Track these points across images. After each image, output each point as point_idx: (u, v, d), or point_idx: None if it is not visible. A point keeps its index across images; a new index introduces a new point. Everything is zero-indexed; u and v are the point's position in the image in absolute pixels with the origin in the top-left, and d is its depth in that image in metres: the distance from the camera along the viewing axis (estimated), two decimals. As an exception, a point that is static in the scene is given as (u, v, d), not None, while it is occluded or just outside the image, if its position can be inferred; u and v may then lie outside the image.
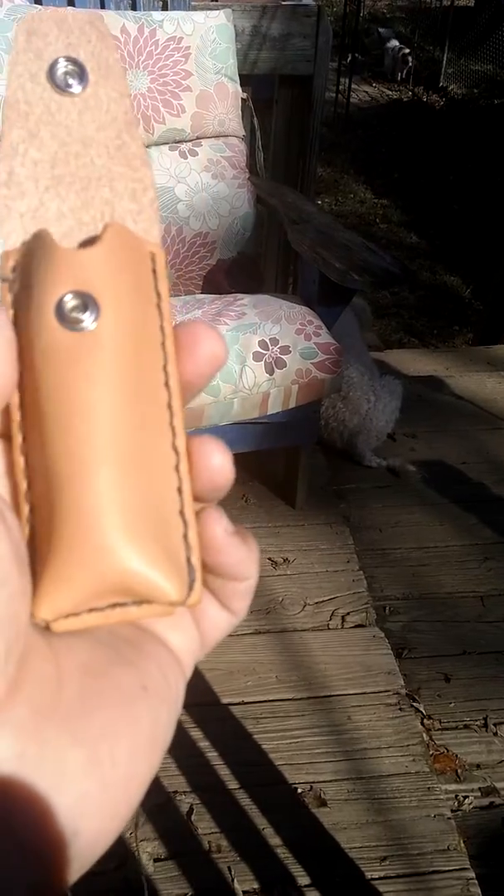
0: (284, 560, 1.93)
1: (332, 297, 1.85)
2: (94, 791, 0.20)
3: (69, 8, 0.25)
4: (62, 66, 0.24)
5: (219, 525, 0.24)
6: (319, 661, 1.66)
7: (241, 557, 0.24)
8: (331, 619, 1.77)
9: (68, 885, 0.20)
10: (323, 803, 1.40)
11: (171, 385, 0.24)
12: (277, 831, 1.35)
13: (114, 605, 0.22)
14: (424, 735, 1.55)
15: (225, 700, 1.56)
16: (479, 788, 1.48)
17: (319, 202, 5.14)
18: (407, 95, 8.11)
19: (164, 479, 0.23)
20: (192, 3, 2.07)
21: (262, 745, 1.49)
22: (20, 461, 0.22)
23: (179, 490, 0.23)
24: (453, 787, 1.48)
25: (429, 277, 4.41)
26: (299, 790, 1.42)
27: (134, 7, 2.02)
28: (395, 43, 8.33)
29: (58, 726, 0.20)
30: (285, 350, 1.71)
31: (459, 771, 1.51)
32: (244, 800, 1.39)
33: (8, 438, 0.23)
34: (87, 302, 0.22)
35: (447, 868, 1.31)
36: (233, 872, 1.29)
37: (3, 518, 0.21)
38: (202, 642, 0.26)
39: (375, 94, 8.23)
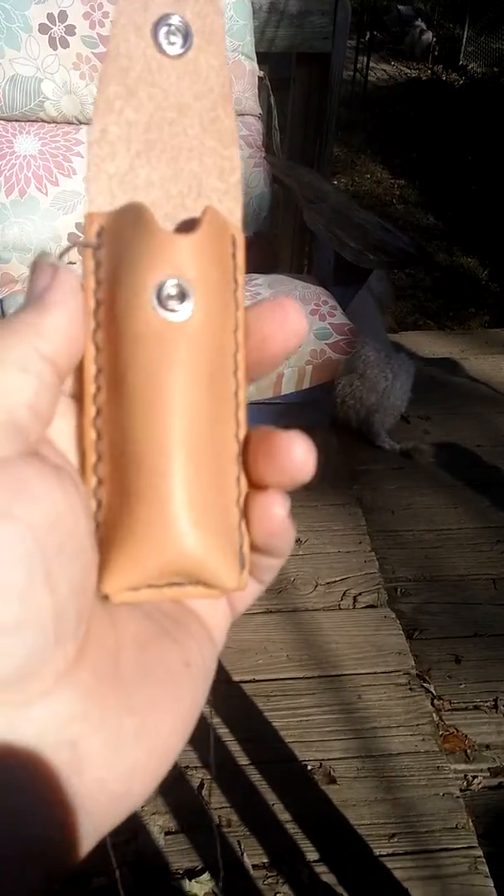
0: (297, 540, 1.93)
1: (348, 277, 1.84)
2: (142, 758, 0.21)
3: None
4: (167, 24, 0.23)
5: (281, 508, 0.24)
6: (330, 641, 1.67)
7: (290, 538, 0.25)
8: (342, 600, 1.78)
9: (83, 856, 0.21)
10: (332, 780, 1.41)
11: (238, 375, 0.24)
12: (287, 807, 1.37)
13: (171, 584, 0.23)
14: (434, 715, 1.56)
15: (237, 678, 1.57)
16: (489, 769, 1.49)
17: (336, 182, 5.11)
18: (426, 74, 8.01)
19: (228, 468, 0.24)
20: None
21: (273, 722, 1.50)
22: (91, 434, 0.23)
23: (238, 479, 0.24)
24: (462, 766, 1.49)
25: (445, 259, 4.38)
26: (309, 767, 1.43)
27: (151, -17, 2.00)
28: (420, 24, 8.21)
29: (116, 693, 0.21)
30: (300, 331, 1.71)
31: (469, 751, 1.52)
32: (254, 775, 1.41)
33: (77, 400, 0.23)
34: (184, 291, 0.22)
35: (455, 846, 1.33)
36: (242, 847, 1.31)
37: (77, 490, 0.21)
38: (231, 612, 0.27)
39: (394, 72, 8.14)
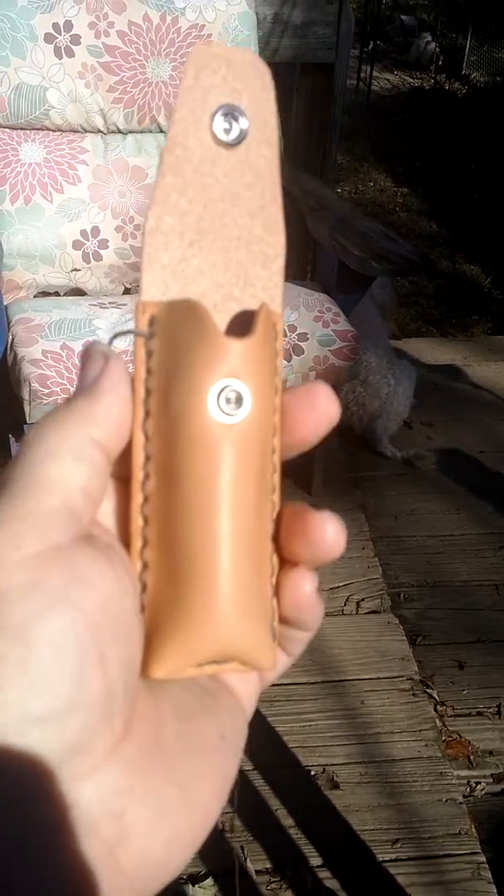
0: (300, 546, 1.94)
1: (351, 284, 1.85)
2: (182, 828, 0.22)
3: (237, 48, 0.24)
4: (224, 115, 0.24)
5: (311, 585, 0.25)
6: (334, 646, 1.68)
7: (319, 613, 0.26)
8: (345, 605, 1.78)
9: None
10: (336, 786, 1.41)
11: (275, 458, 0.25)
12: (290, 812, 1.37)
13: (211, 662, 0.24)
14: (437, 721, 1.56)
15: (240, 683, 1.57)
16: (492, 775, 1.50)
17: (339, 190, 5.12)
18: (429, 83, 8.04)
19: (265, 549, 0.25)
20: (214, -10, 2.07)
21: (277, 727, 1.50)
22: (139, 521, 0.24)
23: (272, 558, 0.25)
24: (465, 772, 1.49)
25: (448, 266, 4.39)
26: (313, 772, 1.44)
27: (156, -6, 2.02)
28: (426, 36, 8.23)
29: (159, 766, 0.22)
30: (303, 337, 1.72)
31: (472, 757, 1.52)
32: (258, 781, 1.41)
33: (122, 481, 0.24)
34: (241, 396, 0.23)
35: (458, 852, 1.33)
36: (245, 852, 1.31)
37: (126, 570, 0.23)
38: (260, 682, 0.28)
39: (397, 81, 8.16)
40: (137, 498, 0.24)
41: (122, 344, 0.25)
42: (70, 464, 0.22)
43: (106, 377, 0.23)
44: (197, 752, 0.23)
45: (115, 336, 0.25)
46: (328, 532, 0.24)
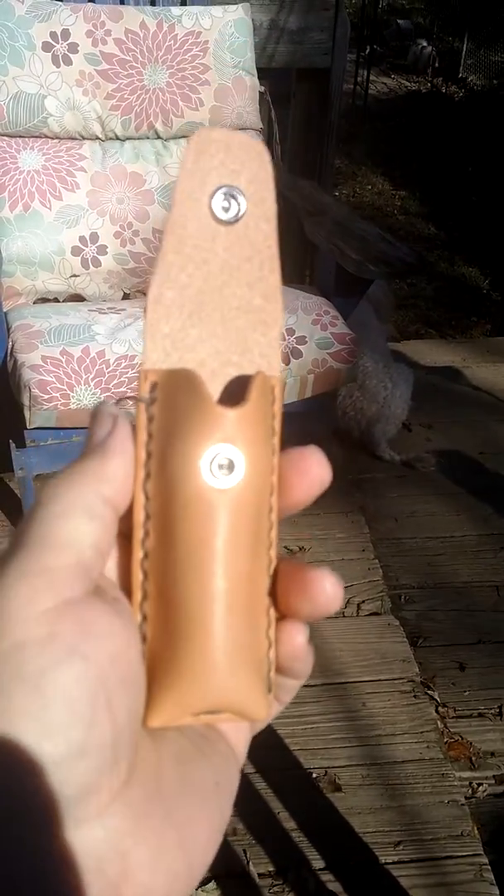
0: (300, 548, 1.94)
1: (349, 287, 1.86)
2: (182, 867, 0.24)
3: (235, 132, 0.25)
4: (224, 195, 0.25)
5: (303, 636, 0.27)
6: (335, 648, 1.68)
7: (310, 662, 0.28)
8: (346, 607, 1.79)
9: None
10: (338, 788, 1.42)
11: (272, 517, 0.26)
12: (292, 815, 1.37)
13: (205, 713, 0.25)
14: (439, 722, 1.56)
15: (241, 686, 1.58)
16: (494, 776, 1.50)
17: (337, 194, 5.13)
18: (426, 87, 8.06)
19: (261, 603, 0.26)
20: (210, -3, 2.08)
21: (278, 730, 1.51)
22: (139, 575, 0.25)
23: (268, 611, 0.26)
24: (467, 774, 1.49)
25: (446, 268, 4.39)
26: (314, 775, 1.44)
27: (153, 3, 2.03)
28: (423, 42, 8.25)
29: (159, 809, 0.23)
30: (301, 340, 1.73)
31: (473, 758, 1.52)
32: (259, 784, 1.42)
33: (125, 536, 0.25)
34: (233, 462, 0.24)
35: (461, 854, 1.33)
36: (248, 855, 1.31)
37: (132, 624, 0.24)
38: (252, 729, 0.29)
39: (394, 85, 8.19)
40: (138, 554, 0.25)
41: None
42: (83, 522, 0.23)
43: (114, 438, 0.25)
44: (194, 796, 0.25)
45: (120, 399, 0.27)
46: (327, 588, 0.26)
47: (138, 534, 0.25)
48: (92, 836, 0.22)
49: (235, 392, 0.26)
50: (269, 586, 0.26)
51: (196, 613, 0.24)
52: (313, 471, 0.27)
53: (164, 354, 0.25)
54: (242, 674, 0.25)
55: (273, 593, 0.26)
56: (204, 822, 0.25)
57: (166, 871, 0.23)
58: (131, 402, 0.26)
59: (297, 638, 0.27)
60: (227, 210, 0.25)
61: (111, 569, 0.26)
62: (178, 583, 0.24)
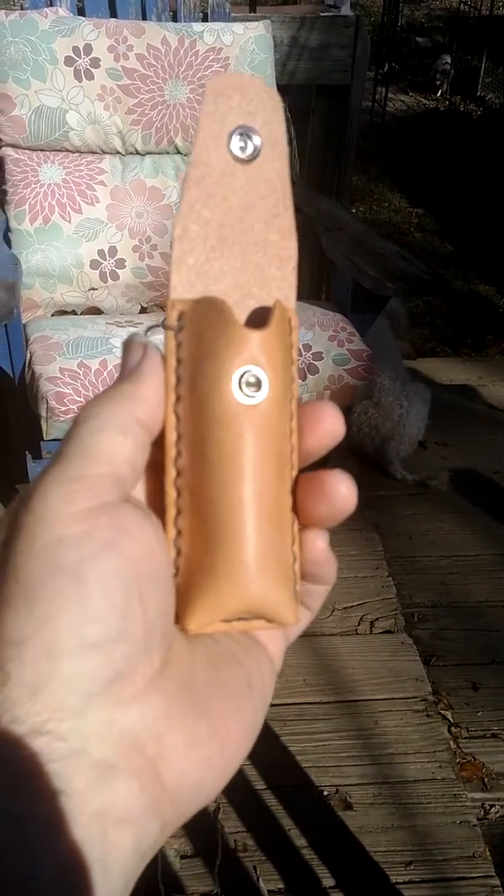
0: (314, 565, 1.93)
1: (366, 304, 1.86)
2: (215, 754, 0.26)
3: (251, 75, 0.27)
4: (240, 136, 0.27)
5: (323, 541, 0.29)
6: (347, 666, 1.67)
7: (334, 566, 0.30)
8: (359, 625, 1.78)
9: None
10: (349, 806, 1.41)
11: (293, 440, 0.28)
12: (303, 833, 1.36)
13: (240, 619, 0.27)
14: (451, 742, 1.55)
15: (253, 702, 1.57)
16: (506, 797, 1.48)
17: (354, 210, 5.15)
18: (444, 104, 8.09)
19: (286, 518, 0.27)
20: (232, 15, 2.10)
21: (290, 747, 1.50)
22: (173, 492, 0.26)
23: (293, 526, 0.28)
24: (480, 795, 1.48)
25: (463, 286, 4.39)
26: (325, 793, 1.43)
27: (175, 19, 2.05)
28: (446, 60, 8.27)
29: (192, 700, 0.25)
30: (318, 356, 1.73)
31: (486, 779, 1.51)
32: (270, 800, 1.41)
33: (153, 468, 0.27)
34: (260, 379, 0.26)
35: (472, 875, 1.31)
36: (258, 872, 1.30)
37: (160, 532, 0.26)
38: (286, 638, 0.31)
39: (412, 103, 8.22)
40: (171, 471, 0.26)
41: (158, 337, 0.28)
42: (118, 437, 0.25)
43: (146, 363, 0.26)
44: (225, 695, 0.26)
45: (150, 328, 0.28)
46: (342, 488, 0.27)
47: (171, 452, 0.26)
48: (129, 717, 0.23)
49: (254, 323, 0.27)
50: (291, 504, 0.28)
51: (229, 521, 0.25)
52: (327, 421, 0.28)
53: (189, 286, 0.27)
54: (272, 578, 0.26)
55: (295, 510, 0.28)
56: (237, 719, 0.26)
57: (201, 759, 0.25)
58: (161, 330, 0.27)
59: (318, 543, 0.28)
60: (244, 150, 0.27)
61: (139, 495, 0.27)
62: (211, 493, 0.26)
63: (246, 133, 0.27)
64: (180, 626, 0.26)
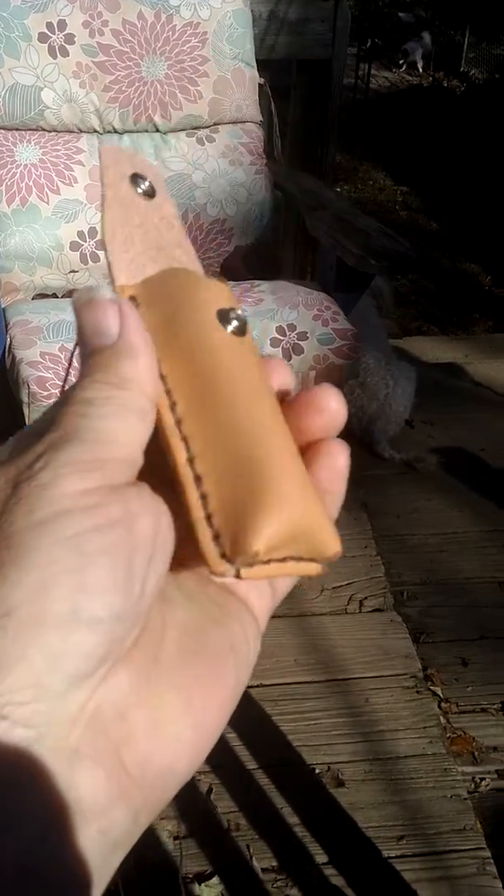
0: (302, 545, 1.93)
1: (350, 282, 1.85)
2: (186, 732, 0.24)
3: (129, 151, 0.33)
4: (140, 179, 0.31)
5: (344, 455, 0.28)
6: (337, 645, 1.67)
7: (341, 497, 0.28)
8: (349, 604, 1.78)
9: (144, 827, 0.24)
10: (340, 784, 1.41)
11: (269, 385, 0.28)
12: (295, 810, 1.37)
13: (285, 559, 0.25)
14: (441, 718, 1.55)
15: (243, 682, 1.57)
16: (496, 771, 1.49)
17: (338, 189, 5.12)
18: (427, 81, 8.04)
19: (295, 449, 0.27)
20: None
21: (281, 726, 1.50)
22: (179, 442, 0.25)
23: (301, 458, 0.27)
24: (470, 769, 1.49)
25: (448, 264, 4.38)
26: (317, 771, 1.43)
27: (151, -7, 2.02)
28: (427, 38, 8.21)
29: (162, 671, 0.24)
30: (303, 336, 1.72)
31: (476, 753, 1.52)
32: (262, 780, 1.41)
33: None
34: (244, 319, 0.27)
35: (463, 847, 1.32)
36: (251, 850, 1.30)
37: (162, 506, 0.24)
38: (274, 596, 0.29)
39: (395, 79, 8.16)
40: (170, 418, 0.25)
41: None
42: (137, 423, 0.24)
43: (131, 331, 0.25)
44: (203, 661, 0.25)
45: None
46: (332, 401, 0.27)
47: (165, 402, 0.26)
48: (94, 696, 0.22)
49: None
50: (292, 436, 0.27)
51: (259, 443, 0.25)
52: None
53: (132, 276, 0.28)
54: (313, 503, 0.25)
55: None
56: (213, 686, 0.25)
57: (169, 739, 0.23)
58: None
59: (342, 456, 0.27)
60: (142, 189, 0.30)
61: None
62: (230, 418, 0.25)
63: (141, 178, 0.30)
64: (245, 551, 0.24)
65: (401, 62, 8.15)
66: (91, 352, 0.25)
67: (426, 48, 8.20)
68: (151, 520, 0.23)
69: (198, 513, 0.24)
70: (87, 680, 0.21)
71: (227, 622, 0.26)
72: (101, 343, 0.25)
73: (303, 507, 0.25)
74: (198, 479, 0.25)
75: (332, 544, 0.26)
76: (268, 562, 0.25)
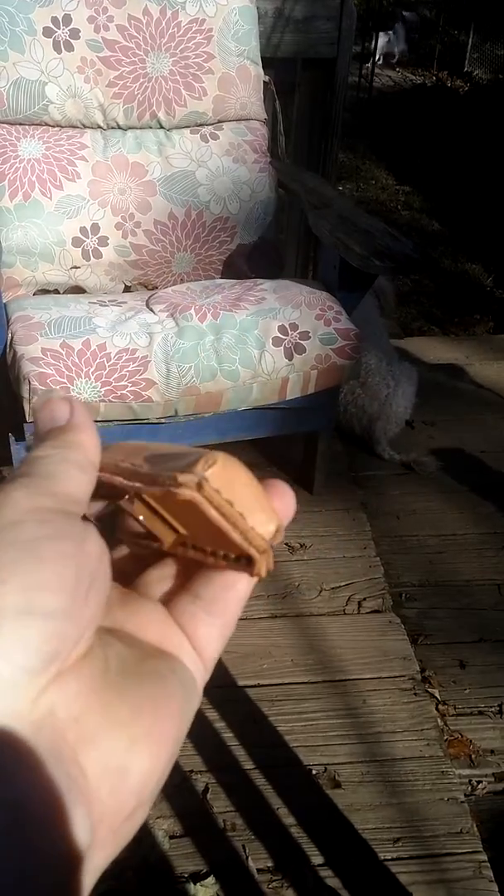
0: (301, 545, 1.93)
1: (353, 282, 1.84)
2: (140, 734, 0.25)
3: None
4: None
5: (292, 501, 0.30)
6: (335, 646, 1.67)
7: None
8: (347, 605, 1.78)
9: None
10: (337, 785, 1.41)
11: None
12: (292, 811, 1.36)
13: (225, 556, 0.28)
14: (439, 720, 1.55)
15: (241, 682, 1.57)
16: (493, 774, 1.49)
17: (341, 188, 5.11)
18: (431, 80, 8.03)
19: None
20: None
21: (278, 727, 1.50)
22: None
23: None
24: (467, 771, 1.48)
25: (450, 265, 4.37)
26: (314, 772, 1.43)
27: (156, -11, 2.01)
28: (400, 30, 8.19)
29: (110, 685, 0.25)
30: (305, 335, 1.71)
31: (473, 756, 1.51)
32: (259, 780, 1.41)
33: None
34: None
35: (460, 851, 1.32)
36: (247, 850, 1.30)
37: (107, 552, 0.27)
38: (205, 667, 0.30)
39: (399, 78, 8.16)
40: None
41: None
42: (78, 473, 0.27)
43: (78, 416, 0.29)
44: (144, 677, 0.26)
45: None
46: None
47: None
48: (48, 696, 0.23)
49: None
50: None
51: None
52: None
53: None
54: (262, 493, 0.28)
55: None
56: (162, 698, 0.26)
57: (124, 741, 0.24)
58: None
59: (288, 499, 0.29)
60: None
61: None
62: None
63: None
64: (193, 474, 0.26)
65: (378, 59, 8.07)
66: (46, 433, 0.28)
67: (400, 41, 8.17)
68: (98, 545, 0.26)
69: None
70: (37, 677, 0.22)
71: (165, 656, 0.28)
72: (55, 426, 0.29)
73: (249, 480, 0.27)
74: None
75: (260, 551, 0.27)
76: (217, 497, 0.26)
